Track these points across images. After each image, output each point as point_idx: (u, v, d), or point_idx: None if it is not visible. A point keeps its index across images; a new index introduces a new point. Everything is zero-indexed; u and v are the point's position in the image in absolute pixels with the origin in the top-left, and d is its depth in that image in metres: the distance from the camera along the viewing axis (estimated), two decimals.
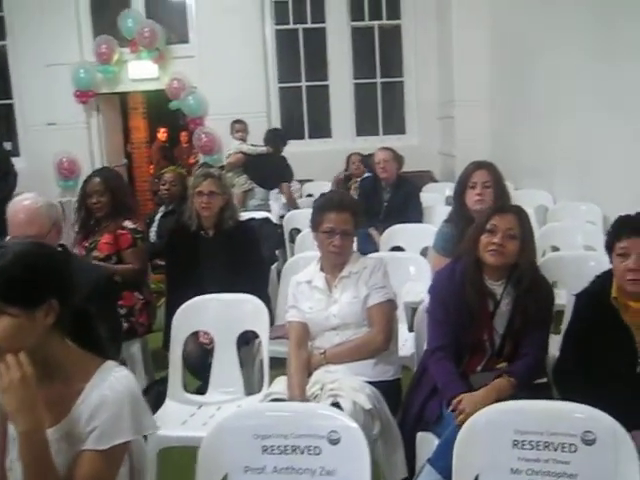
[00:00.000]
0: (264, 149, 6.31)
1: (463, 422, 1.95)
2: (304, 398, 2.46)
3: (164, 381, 2.99)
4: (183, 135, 10.68)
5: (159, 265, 4.48)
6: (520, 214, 2.50)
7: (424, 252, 3.90)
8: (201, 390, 3.08)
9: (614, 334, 2.29)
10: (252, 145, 6.45)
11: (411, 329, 3.04)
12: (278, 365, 2.86)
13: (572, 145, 5.41)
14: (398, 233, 4.38)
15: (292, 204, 6.15)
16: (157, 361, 3.67)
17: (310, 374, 2.59)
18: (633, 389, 2.23)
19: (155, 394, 3.02)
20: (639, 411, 2.10)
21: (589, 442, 1.79)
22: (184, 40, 8.32)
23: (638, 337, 2.28)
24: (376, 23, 8.54)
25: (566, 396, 2.21)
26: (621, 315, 2.30)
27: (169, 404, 2.84)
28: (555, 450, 1.81)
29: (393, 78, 8.67)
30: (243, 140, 6.55)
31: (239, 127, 6.66)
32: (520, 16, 6.44)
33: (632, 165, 4.32)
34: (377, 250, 4.22)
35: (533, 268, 2.49)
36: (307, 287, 2.75)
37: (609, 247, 2.33)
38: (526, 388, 2.33)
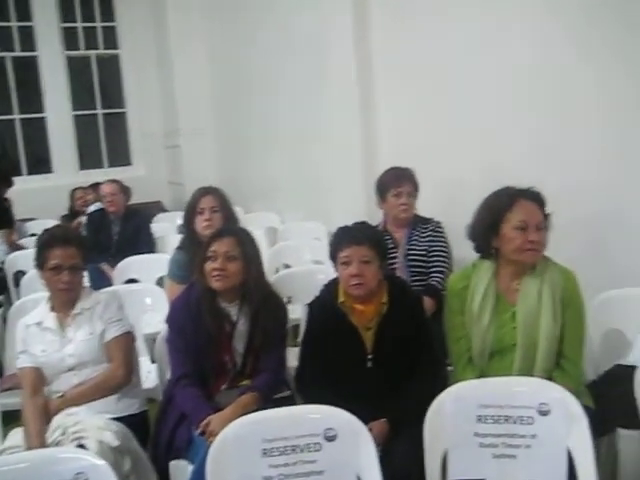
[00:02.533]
0: None
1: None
2: (44, 446, 2.29)
3: None
4: None
5: None
6: (238, 235, 2.60)
7: (160, 282, 3.86)
8: None
9: (345, 336, 2.46)
10: None
11: (153, 360, 3.00)
12: (13, 419, 2.64)
13: (295, 169, 5.83)
14: (131, 265, 4.27)
15: (14, 247, 5.67)
16: None
17: (49, 421, 2.42)
18: (366, 384, 2.41)
19: None
20: (373, 404, 2.30)
21: (331, 438, 1.91)
22: None
23: (365, 336, 2.47)
24: (93, 53, 8.31)
25: (309, 401, 2.31)
26: (349, 318, 2.48)
27: None
28: (302, 451, 1.89)
29: (115, 109, 8.49)
30: None
31: None
32: (236, 47, 6.72)
33: (347, 184, 4.80)
34: (111, 285, 4.09)
35: (262, 285, 2.61)
36: (37, 329, 2.59)
37: (333, 257, 2.51)
38: (270, 402, 2.42)
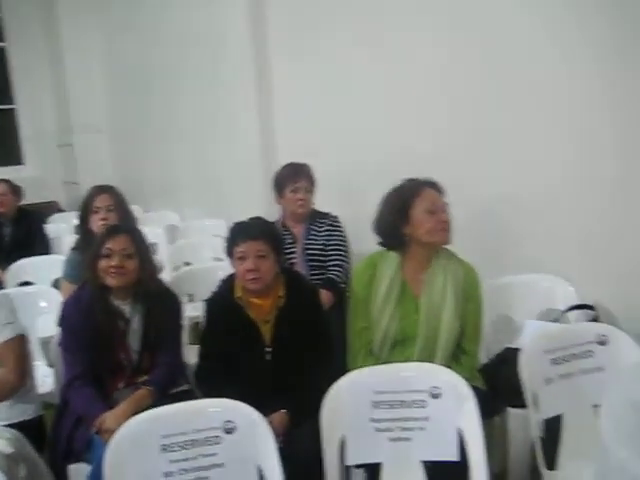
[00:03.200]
0: None
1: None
2: None
3: None
4: None
5: None
6: (133, 233, 2.61)
7: (56, 284, 3.76)
8: None
9: (243, 330, 2.49)
10: None
11: (50, 364, 2.92)
12: None
13: (194, 166, 5.78)
14: (25, 267, 4.13)
15: None
16: None
17: None
18: (265, 377, 2.44)
19: None
20: (273, 396, 2.34)
21: (230, 431, 1.92)
22: None
23: (263, 329, 2.50)
24: None
25: (209, 396, 2.31)
26: (247, 312, 2.50)
27: None
28: (201, 445, 1.90)
29: (3, 105, 8.13)
30: None
31: None
32: (133, 42, 6.58)
33: (247, 181, 4.82)
34: (3, 288, 3.94)
35: (156, 282, 2.62)
36: None
37: (229, 252, 2.52)
38: (168, 397, 2.40)
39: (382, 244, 2.60)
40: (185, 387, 2.63)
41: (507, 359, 2.61)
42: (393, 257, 2.57)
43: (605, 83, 2.75)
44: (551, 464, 2.19)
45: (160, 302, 2.57)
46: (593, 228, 2.87)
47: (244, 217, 2.61)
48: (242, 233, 2.49)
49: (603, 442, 1.19)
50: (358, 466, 2.12)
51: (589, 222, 2.88)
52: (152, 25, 6.12)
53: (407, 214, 2.49)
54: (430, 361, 2.43)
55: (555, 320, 2.80)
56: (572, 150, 2.91)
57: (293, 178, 3.42)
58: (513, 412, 2.49)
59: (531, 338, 2.37)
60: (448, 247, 2.59)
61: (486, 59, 3.20)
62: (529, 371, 2.21)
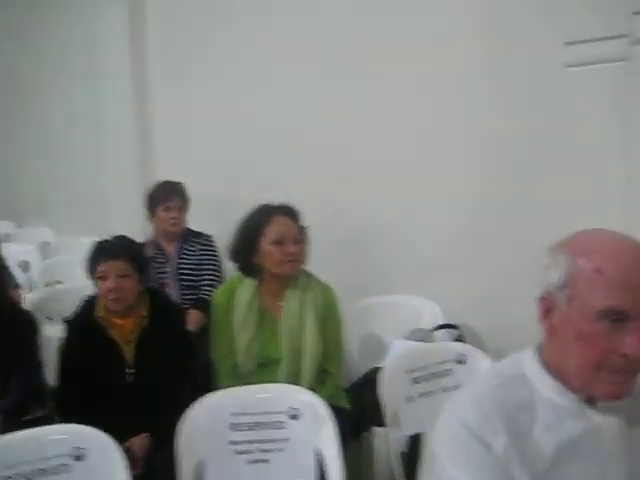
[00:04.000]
0: None
1: None
2: None
3: None
4: None
5: None
6: None
7: None
8: None
9: (104, 350, 2.41)
10: None
11: None
12: None
13: (71, 182, 5.59)
14: None
15: None
16: None
17: None
18: (126, 399, 2.36)
19: None
20: (135, 419, 2.27)
21: (79, 458, 1.84)
22: None
23: (126, 350, 2.42)
24: None
25: (68, 420, 2.20)
26: (108, 332, 2.42)
27: None
28: (50, 475, 1.81)
29: None
30: None
31: None
32: (8, 55, 6.29)
33: (124, 198, 4.72)
34: None
35: (7, 303, 2.53)
36: None
37: (91, 272, 2.44)
38: (20, 424, 2.27)
39: (240, 270, 2.59)
40: (41, 414, 2.50)
41: (373, 379, 2.65)
42: (250, 283, 2.57)
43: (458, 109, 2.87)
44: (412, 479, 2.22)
45: (10, 324, 2.44)
46: (457, 249, 2.98)
47: (124, 233, 2.54)
48: (103, 252, 2.42)
49: (435, 456, 1.22)
50: None
51: (453, 243, 2.98)
52: (25, 34, 5.87)
53: (256, 245, 2.50)
54: (296, 384, 2.41)
55: (422, 339, 2.87)
56: (431, 171, 3.01)
57: (165, 196, 3.36)
58: (378, 431, 2.52)
59: (392, 358, 2.42)
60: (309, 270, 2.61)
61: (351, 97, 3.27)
62: (389, 390, 2.25)
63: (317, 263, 2.66)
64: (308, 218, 2.63)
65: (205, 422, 2.02)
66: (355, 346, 2.96)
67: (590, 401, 1.22)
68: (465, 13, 2.82)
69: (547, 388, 1.24)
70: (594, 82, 2.18)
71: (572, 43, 2.20)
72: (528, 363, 1.29)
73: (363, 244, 3.33)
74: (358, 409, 2.60)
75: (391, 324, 3.02)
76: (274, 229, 2.49)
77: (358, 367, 2.89)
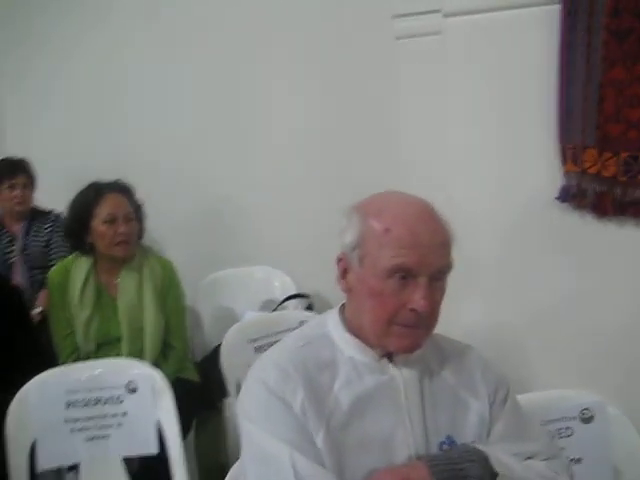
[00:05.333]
0: None
1: None
2: None
3: None
4: None
5: None
6: None
7: None
8: None
9: None
10: None
11: None
12: None
13: None
14: None
15: None
16: None
17: None
18: None
19: None
20: None
21: None
22: None
23: None
24: None
25: None
26: None
27: None
28: None
29: None
30: None
31: None
32: None
33: None
34: None
35: None
36: None
37: None
38: None
39: (73, 249, 2.55)
40: None
41: None
42: (85, 261, 2.53)
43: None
44: None
45: None
46: (310, 226, 3.02)
47: None
48: None
49: (241, 417, 1.26)
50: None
51: (306, 221, 3.03)
52: None
53: (87, 224, 2.47)
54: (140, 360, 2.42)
55: (274, 310, 2.92)
56: (287, 152, 3.05)
57: (9, 174, 3.22)
58: (227, 402, 2.54)
59: (233, 329, 2.44)
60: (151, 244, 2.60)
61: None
62: (230, 360, 2.28)
63: (167, 236, 2.64)
64: (157, 190, 2.60)
65: (38, 402, 1.98)
66: (207, 319, 2.97)
67: (388, 356, 1.29)
68: None
69: (348, 346, 1.30)
70: (418, 53, 2.26)
71: (399, 16, 2.27)
72: (331, 323, 1.35)
73: (216, 216, 3.31)
74: (208, 382, 2.61)
75: (243, 296, 3.04)
76: (105, 209, 2.46)
77: (211, 340, 2.90)
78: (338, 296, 2.88)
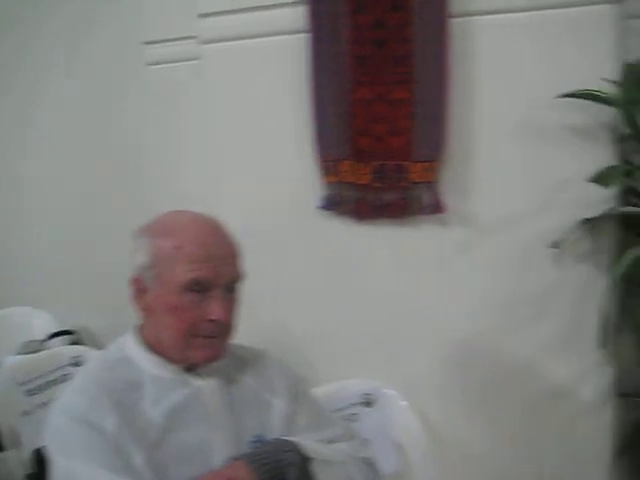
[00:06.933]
0: None
1: None
2: None
3: None
4: None
5: None
6: None
7: None
8: None
9: None
10: None
11: None
12: None
13: None
14: None
15: None
16: None
17: None
18: None
19: None
20: None
21: None
22: None
23: None
24: None
25: None
26: None
27: None
28: None
29: None
30: None
31: None
32: None
33: None
34: None
35: None
36: None
37: None
38: None
39: None
40: None
41: None
42: None
43: None
44: None
45: None
46: (71, 262, 2.90)
47: None
48: None
49: (49, 454, 1.20)
50: None
51: (68, 252, 2.89)
52: None
53: None
54: None
55: (36, 351, 2.74)
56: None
57: None
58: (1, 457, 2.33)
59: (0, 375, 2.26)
60: None
61: None
62: (1, 410, 2.11)
63: None
64: None
65: None
66: None
67: (191, 369, 1.33)
68: None
69: (149, 365, 1.32)
70: (172, 79, 2.30)
71: (150, 43, 2.29)
72: (128, 345, 1.35)
73: None
74: None
75: (1, 340, 2.82)
76: None
77: None
78: (107, 328, 2.82)
